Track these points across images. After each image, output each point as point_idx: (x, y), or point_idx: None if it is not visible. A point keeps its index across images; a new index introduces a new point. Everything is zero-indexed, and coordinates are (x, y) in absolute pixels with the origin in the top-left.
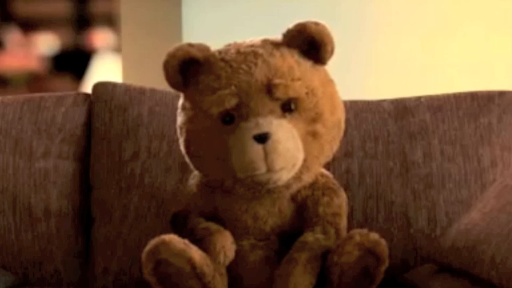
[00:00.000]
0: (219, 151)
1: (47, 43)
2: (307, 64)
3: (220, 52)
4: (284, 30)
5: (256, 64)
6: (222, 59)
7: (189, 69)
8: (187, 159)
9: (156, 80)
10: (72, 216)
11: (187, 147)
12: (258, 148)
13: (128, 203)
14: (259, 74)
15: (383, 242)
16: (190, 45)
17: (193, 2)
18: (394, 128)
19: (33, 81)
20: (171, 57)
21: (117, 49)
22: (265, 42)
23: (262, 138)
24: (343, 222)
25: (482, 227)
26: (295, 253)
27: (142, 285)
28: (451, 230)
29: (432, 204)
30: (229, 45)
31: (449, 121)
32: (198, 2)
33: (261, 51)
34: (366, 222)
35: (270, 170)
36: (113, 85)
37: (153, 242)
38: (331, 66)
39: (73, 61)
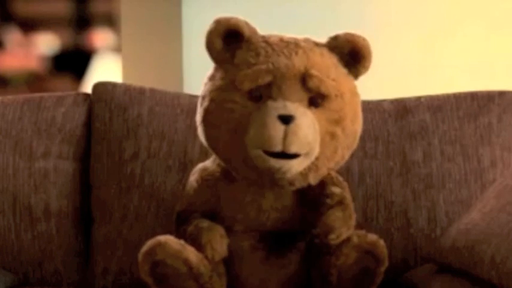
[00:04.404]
0: (238, 124)
1: (47, 43)
2: (342, 70)
3: (263, 36)
4: (284, 29)
5: (296, 53)
6: (265, 41)
7: (231, 41)
8: (200, 130)
9: (156, 80)
10: (72, 216)
11: (205, 116)
12: (280, 127)
13: (128, 203)
14: (298, 61)
15: (381, 242)
16: (241, 19)
17: (193, 2)
18: (394, 128)
19: (33, 81)
20: (218, 23)
21: (117, 49)
22: (307, 39)
23: (286, 119)
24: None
25: (482, 227)
26: (326, 199)
27: (142, 285)
28: (451, 230)
29: (432, 204)
30: (272, 34)
31: (449, 121)
32: (198, 2)
33: (302, 44)
34: (366, 222)
35: (284, 150)
36: (113, 85)
37: (149, 243)
38: None
39: (73, 61)
